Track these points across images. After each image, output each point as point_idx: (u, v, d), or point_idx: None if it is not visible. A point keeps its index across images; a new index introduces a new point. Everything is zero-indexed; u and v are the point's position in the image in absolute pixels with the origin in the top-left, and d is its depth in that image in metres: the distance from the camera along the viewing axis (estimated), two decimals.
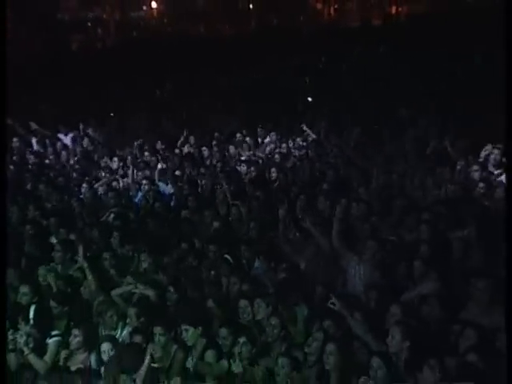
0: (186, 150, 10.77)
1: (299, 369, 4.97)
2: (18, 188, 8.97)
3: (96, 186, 9.06)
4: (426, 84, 13.33)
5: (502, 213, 6.74)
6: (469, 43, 15.14)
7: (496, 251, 6.00)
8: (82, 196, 8.77)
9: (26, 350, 5.45)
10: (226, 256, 6.53)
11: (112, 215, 7.80)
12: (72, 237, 7.20)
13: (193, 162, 9.90)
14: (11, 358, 5.46)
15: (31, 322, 5.85)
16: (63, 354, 5.58)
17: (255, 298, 5.59)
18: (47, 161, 10.58)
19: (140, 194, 8.77)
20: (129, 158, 9.95)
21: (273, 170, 9.11)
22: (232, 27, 27.96)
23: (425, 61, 14.83)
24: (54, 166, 10.41)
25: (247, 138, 11.01)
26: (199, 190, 8.82)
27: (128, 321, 5.76)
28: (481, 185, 7.66)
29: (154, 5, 32.92)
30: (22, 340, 5.46)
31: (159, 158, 10.15)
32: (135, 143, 10.83)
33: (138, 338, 5.36)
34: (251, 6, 31.09)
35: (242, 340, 5.14)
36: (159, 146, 10.83)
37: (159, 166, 9.65)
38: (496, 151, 8.61)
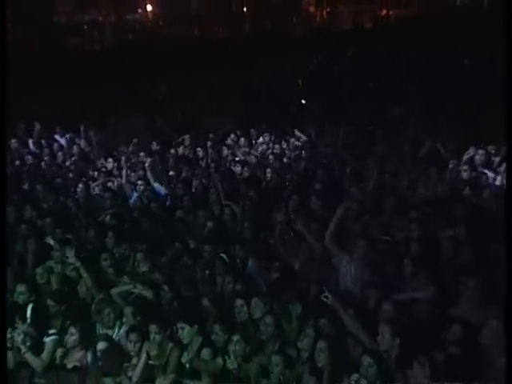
0: (181, 150, 10.85)
1: (292, 366, 5.05)
2: (15, 188, 9.01)
3: (92, 185, 9.12)
4: (417, 85, 13.47)
5: (492, 212, 6.90)
6: (459, 45, 15.30)
7: (486, 249, 6.14)
8: (77, 196, 8.83)
9: (23, 349, 5.51)
10: (222, 255, 6.61)
11: (108, 217, 7.87)
12: (69, 237, 7.26)
13: (188, 162, 9.97)
14: (8, 357, 5.49)
15: (28, 320, 5.88)
16: (59, 352, 5.64)
17: (250, 296, 5.64)
18: (43, 162, 10.61)
19: (135, 194, 8.84)
20: (122, 158, 10.01)
21: (267, 170, 9.20)
22: (226, 30, 28.08)
23: (416, 63, 14.99)
24: (50, 167, 10.46)
25: (241, 139, 11.10)
26: (193, 190, 8.88)
27: (124, 320, 5.83)
28: (470, 185, 7.78)
29: (149, 8, 33.04)
30: (19, 338, 5.51)
31: (156, 158, 10.21)
32: (130, 144, 10.91)
33: (133, 337, 5.42)
34: (245, 9, 31.26)
35: (235, 338, 5.22)
36: (154, 146, 10.91)
37: (146, 163, 9.57)
38: (481, 151, 8.76)
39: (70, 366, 5.61)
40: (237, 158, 10.30)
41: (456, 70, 14.47)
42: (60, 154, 10.86)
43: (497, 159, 8.78)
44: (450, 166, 8.62)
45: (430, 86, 13.36)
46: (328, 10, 31.12)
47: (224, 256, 6.61)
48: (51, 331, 5.75)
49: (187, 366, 5.28)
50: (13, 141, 11.14)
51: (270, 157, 10.03)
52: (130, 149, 10.78)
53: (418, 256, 6.06)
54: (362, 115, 11.79)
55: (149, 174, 9.09)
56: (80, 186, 8.94)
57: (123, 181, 9.25)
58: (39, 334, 5.70)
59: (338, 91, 14.31)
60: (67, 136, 11.75)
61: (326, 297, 5.24)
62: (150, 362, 5.35)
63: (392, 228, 6.91)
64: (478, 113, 10.69)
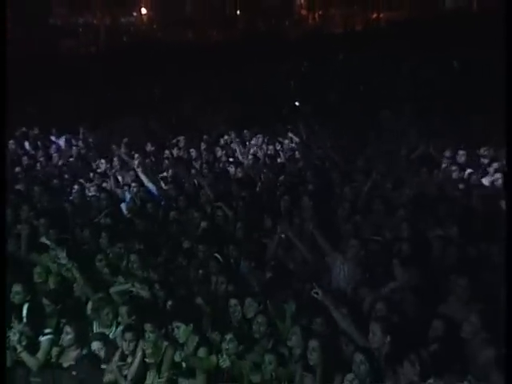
0: (175, 152, 10.92)
1: (285, 364, 5.10)
2: (12, 189, 9.05)
3: (88, 186, 9.18)
4: (408, 88, 13.60)
5: (482, 213, 7.01)
6: (450, 48, 15.44)
7: (477, 248, 6.24)
8: (72, 197, 8.88)
9: (19, 348, 5.54)
10: (216, 255, 6.67)
11: (103, 217, 7.92)
12: (64, 237, 7.30)
13: (182, 163, 10.04)
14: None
15: (24, 320, 5.91)
16: (55, 351, 5.68)
17: (244, 296, 5.69)
18: (38, 163, 10.65)
19: (128, 195, 8.88)
20: (115, 159, 10.04)
21: (260, 170, 9.28)
22: (220, 33, 28.17)
23: (407, 65, 15.13)
24: (45, 168, 10.50)
25: (235, 140, 11.18)
26: (187, 190, 8.94)
27: (120, 319, 5.87)
28: (460, 185, 7.89)
29: (143, 11, 33.11)
30: (15, 338, 5.54)
31: (149, 159, 10.27)
32: (122, 145, 10.97)
33: (129, 336, 5.47)
34: (238, 13, 31.41)
35: (228, 337, 5.27)
36: (149, 147, 10.97)
37: (135, 164, 9.60)
38: (462, 152, 8.87)
39: (65, 364, 5.65)
40: (230, 159, 10.38)
41: (447, 72, 14.61)
42: (55, 155, 10.90)
43: (486, 160, 8.91)
44: (442, 166, 8.71)
45: (420, 89, 13.49)
46: (320, 12, 31.31)
47: (218, 256, 6.67)
48: (47, 330, 5.78)
49: (183, 364, 5.32)
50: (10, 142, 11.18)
51: (263, 158, 10.11)
52: (123, 150, 10.82)
53: (408, 255, 6.13)
54: (353, 117, 11.90)
55: (140, 175, 9.12)
56: (75, 187, 8.99)
57: (112, 183, 9.30)
58: (35, 333, 5.73)
59: (330, 93, 14.43)
60: (63, 138, 11.80)
61: (317, 293, 5.25)
62: (146, 360, 5.41)
63: (383, 228, 6.98)
64: (469, 114, 10.83)
